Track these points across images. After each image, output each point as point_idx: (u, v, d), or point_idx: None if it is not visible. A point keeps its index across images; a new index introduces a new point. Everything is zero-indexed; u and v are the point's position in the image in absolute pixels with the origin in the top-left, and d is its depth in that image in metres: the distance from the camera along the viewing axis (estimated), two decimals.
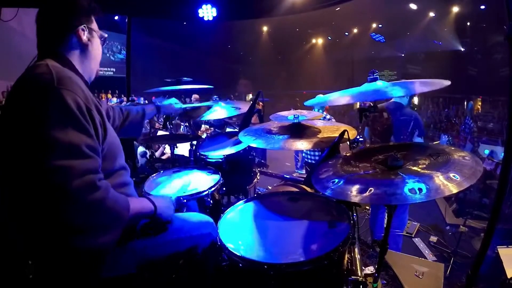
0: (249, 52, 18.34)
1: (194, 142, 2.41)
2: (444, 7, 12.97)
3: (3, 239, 0.95)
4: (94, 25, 1.13)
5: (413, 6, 13.12)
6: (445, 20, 13.34)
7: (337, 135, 1.45)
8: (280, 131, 1.66)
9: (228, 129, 3.69)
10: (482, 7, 11.67)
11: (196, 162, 2.24)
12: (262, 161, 2.91)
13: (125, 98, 7.94)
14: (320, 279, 0.99)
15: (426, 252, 3.18)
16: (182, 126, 5.14)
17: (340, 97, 1.31)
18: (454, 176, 0.91)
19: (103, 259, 0.97)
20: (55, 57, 1.02)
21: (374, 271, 1.13)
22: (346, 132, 1.45)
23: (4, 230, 0.95)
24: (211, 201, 1.66)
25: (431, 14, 13.62)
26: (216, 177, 1.78)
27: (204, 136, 3.17)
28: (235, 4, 4.09)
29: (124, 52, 12.16)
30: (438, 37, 13.98)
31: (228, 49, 17.79)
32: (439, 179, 0.91)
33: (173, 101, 1.87)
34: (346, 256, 1.10)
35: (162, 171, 1.94)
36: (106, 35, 1.19)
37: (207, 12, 3.79)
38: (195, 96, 6.39)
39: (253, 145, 1.56)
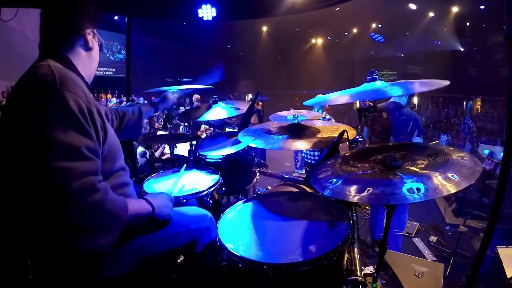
0: (249, 52, 18.32)
1: (194, 142, 2.41)
2: (444, 7, 12.96)
3: (3, 239, 0.95)
4: (95, 31, 1.16)
5: (412, 6, 13.11)
6: (444, 20, 13.33)
7: (336, 135, 1.45)
8: (279, 131, 1.67)
9: (227, 129, 3.69)
10: (482, 7, 11.67)
11: (195, 162, 2.24)
12: (262, 161, 2.92)
13: (125, 98, 7.95)
14: (320, 279, 1.00)
15: (426, 252, 3.18)
16: (181, 126, 5.14)
17: (339, 96, 1.32)
18: (452, 176, 0.91)
19: (102, 259, 0.97)
20: (57, 58, 1.02)
21: (373, 271, 1.13)
22: (345, 132, 1.45)
23: (4, 230, 0.95)
24: (211, 201, 1.67)
25: (431, 14, 13.62)
26: (216, 177, 1.78)
27: (203, 136, 3.18)
28: (235, 4, 4.09)
29: (124, 52, 12.15)
30: (438, 37, 13.98)
31: (228, 49, 17.77)
32: (437, 179, 0.91)
33: (169, 90, 1.85)
34: (346, 256, 1.10)
35: (161, 171, 1.94)
36: (103, 41, 1.22)
37: (207, 12, 3.79)
38: (196, 96, 6.39)
39: (253, 145, 1.56)
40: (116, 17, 9.83)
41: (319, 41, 18.61)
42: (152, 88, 2.54)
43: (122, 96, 11.25)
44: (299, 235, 1.09)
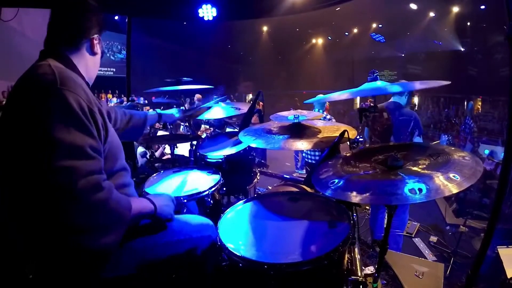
0: (249, 52, 18.33)
1: (194, 142, 2.41)
2: (444, 7, 12.96)
3: (3, 239, 0.95)
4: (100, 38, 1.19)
5: (413, 6, 13.11)
6: (445, 20, 13.33)
7: (337, 135, 1.45)
8: (280, 131, 1.66)
9: (228, 129, 3.69)
10: (482, 7, 11.67)
11: (196, 162, 2.24)
12: (262, 161, 2.92)
13: (125, 98, 7.95)
14: (320, 279, 0.99)
15: (426, 252, 3.17)
16: (182, 126, 5.14)
17: (340, 95, 1.32)
18: (454, 176, 0.91)
19: (103, 259, 0.97)
20: (58, 57, 1.03)
21: (374, 271, 1.13)
22: (346, 132, 1.45)
23: (4, 230, 0.95)
24: (211, 201, 1.66)
25: (431, 14, 13.62)
26: (216, 177, 1.78)
27: (204, 136, 3.17)
28: (235, 4, 4.09)
29: (124, 52, 12.17)
30: (438, 37, 13.98)
31: (228, 49, 17.77)
32: (439, 179, 0.91)
33: (174, 111, 1.90)
34: (346, 256, 1.10)
35: (162, 171, 1.94)
36: (105, 49, 1.24)
37: (207, 12, 3.79)
38: (197, 96, 6.39)
39: (253, 145, 1.56)
40: (116, 17, 9.83)
41: (319, 41, 18.61)
42: (152, 88, 2.55)
43: (123, 96, 11.24)
44: (300, 235, 1.09)
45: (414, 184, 0.91)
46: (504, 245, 2.33)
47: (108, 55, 12.84)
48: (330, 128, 1.67)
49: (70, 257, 0.90)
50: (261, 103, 2.59)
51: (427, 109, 14.69)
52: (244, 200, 1.37)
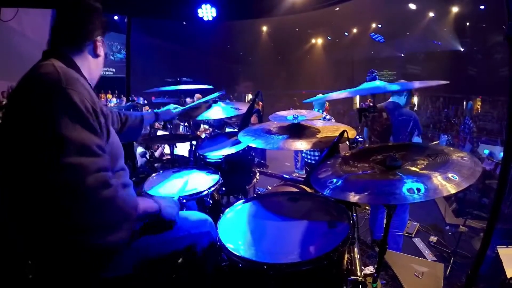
0: (249, 52, 18.33)
1: (194, 142, 2.41)
2: (443, 7, 12.97)
3: (3, 239, 0.95)
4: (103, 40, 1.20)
5: (412, 6, 13.12)
6: (444, 20, 13.35)
7: (336, 135, 1.46)
8: (279, 131, 1.67)
9: (227, 129, 3.69)
10: (482, 7, 11.67)
11: (195, 162, 2.24)
12: (262, 161, 2.92)
13: (124, 98, 7.95)
14: (320, 279, 1.00)
15: (426, 252, 3.18)
16: (181, 126, 5.14)
17: (339, 94, 1.33)
18: (452, 176, 0.91)
19: (106, 258, 0.98)
20: (61, 57, 1.03)
21: (373, 271, 1.13)
22: (345, 132, 1.46)
23: (4, 230, 0.95)
24: (211, 201, 1.66)
25: (431, 14, 13.63)
26: (216, 177, 1.78)
27: (203, 136, 3.17)
28: (235, 4, 4.09)
29: (124, 52, 12.15)
30: (438, 37, 13.99)
31: (228, 49, 17.78)
32: (437, 179, 0.91)
33: (171, 106, 1.89)
34: (346, 256, 1.10)
35: (161, 171, 1.94)
36: (108, 51, 1.25)
37: (207, 12, 3.79)
38: (197, 95, 6.38)
39: (253, 145, 1.56)
40: (116, 17, 9.82)
41: (319, 41, 18.61)
42: (152, 88, 2.55)
43: (122, 96, 11.25)
44: (299, 235, 1.09)
45: (412, 184, 0.91)
46: (503, 245, 2.33)
47: (107, 55, 12.83)
48: (329, 128, 1.67)
49: (71, 256, 0.90)
50: (260, 103, 2.60)
51: (426, 109, 14.70)
52: (243, 200, 1.37)
